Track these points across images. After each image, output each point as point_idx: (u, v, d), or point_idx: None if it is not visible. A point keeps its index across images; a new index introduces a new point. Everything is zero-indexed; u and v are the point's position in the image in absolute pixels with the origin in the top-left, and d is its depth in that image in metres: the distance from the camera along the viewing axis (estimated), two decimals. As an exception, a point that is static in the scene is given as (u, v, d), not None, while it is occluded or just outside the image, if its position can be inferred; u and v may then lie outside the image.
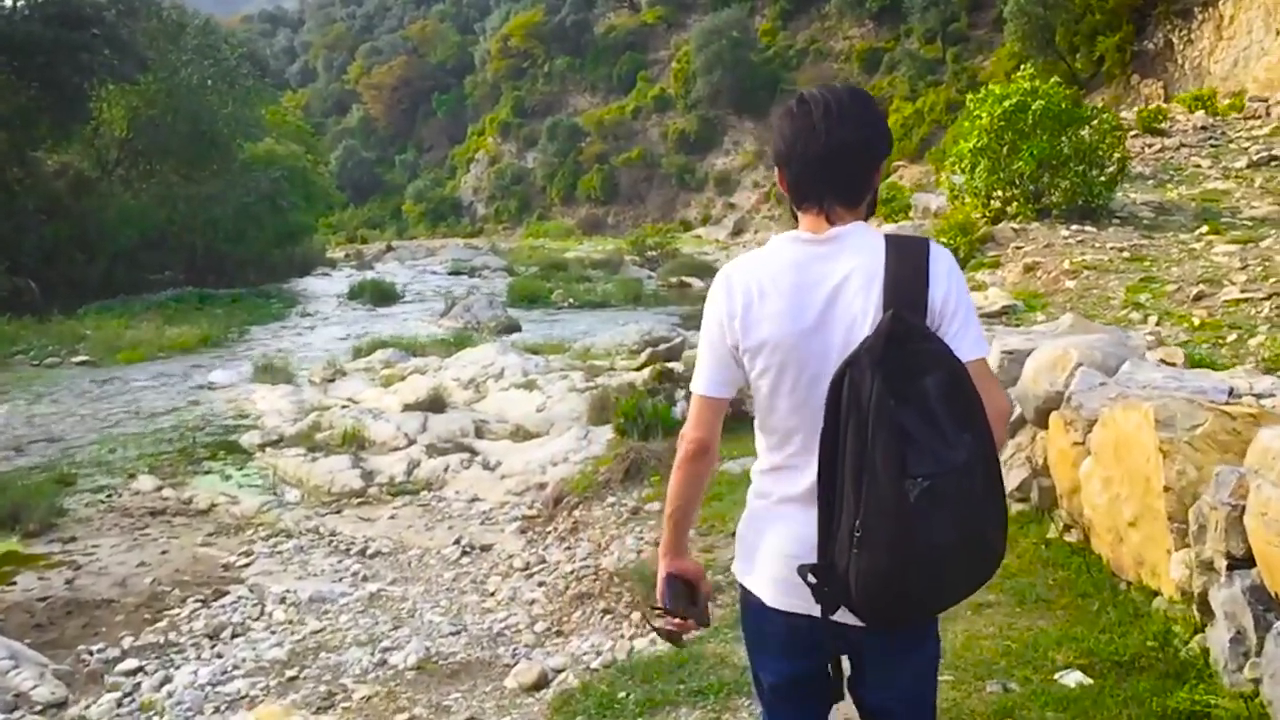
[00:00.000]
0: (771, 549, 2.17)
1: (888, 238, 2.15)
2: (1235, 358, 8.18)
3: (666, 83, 72.11)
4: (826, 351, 2.06)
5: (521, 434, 10.54)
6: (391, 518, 7.90)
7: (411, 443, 10.25)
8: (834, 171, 2.13)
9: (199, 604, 6.38)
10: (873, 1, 61.07)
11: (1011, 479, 5.69)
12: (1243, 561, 3.33)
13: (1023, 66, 13.97)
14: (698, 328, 2.32)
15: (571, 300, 25.73)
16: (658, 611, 2.28)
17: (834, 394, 1.97)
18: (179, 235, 27.37)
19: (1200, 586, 3.63)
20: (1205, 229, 12.11)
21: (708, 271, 32.54)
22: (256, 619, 6.03)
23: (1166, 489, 3.88)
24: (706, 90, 66.41)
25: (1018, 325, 9.72)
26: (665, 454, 7.15)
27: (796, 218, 2.20)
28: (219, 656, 5.49)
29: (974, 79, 42.47)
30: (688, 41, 69.53)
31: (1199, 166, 16.33)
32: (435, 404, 11.29)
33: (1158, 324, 9.12)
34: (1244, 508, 3.27)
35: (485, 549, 6.86)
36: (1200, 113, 20.57)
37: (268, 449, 10.30)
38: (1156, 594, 4.13)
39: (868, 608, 1.98)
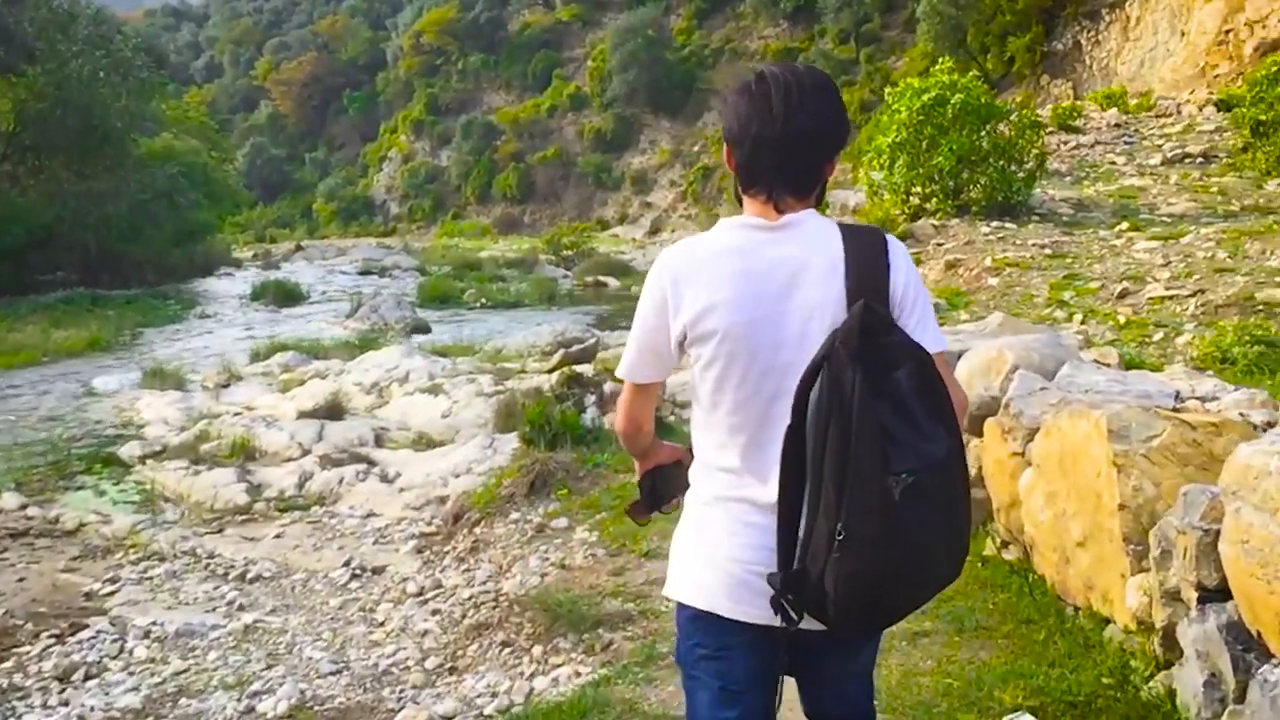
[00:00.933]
0: (726, 554, 2.04)
1: (842, 226, 2.04)
2: (1163, 356, 7.94)
3: (582, 81, 71.93)
4: (779, 343, 1.98)
5: (425, 442, 9.93)
6: (278, 537, 7.25)
7: (306, 453, 9.59)
8: (787, 158, 2.02)
9: (53, 640, 5.70)
10: (787, 1, 61.26)
11: (943, 490, 5.32)
12: (1216, 593, 2.93)
13: (940, 60, 13.75)
14: (613, 328, 2.19)
15: (484, 300, 25.03)
16: (634, 512, 2.39)
17: (804, 390, 1.88)
18: (70, 234, 26.02)
19: (1164, 619, 3.22)
20: (1125, 225, 11.97)
21: (624, 271, 32.07)
22: (115, 657, 5.38)
23: (1121, 507, 3.49)
24: (622, 89, 66.41)
25: (942, 325, 9.41)
26: (573, 465, 6.65)
27: (740, 201, 2.10)
28: (65, 704, 4.85)
29: (887, 79, 42.71)
30: (603, 40, 69.45)
31: (1115, 164, 16.30)
32: (333, 410, 10.61)
33: (1083, 322, 8.87)
34: (1218, 532, 2.87)
35: (377, 571, 6.27)
36: (1113, 111, 20.67)
37: (148, 461, 9.56)
38: (1109, 622, 3.74)
39: (844, 613, 1.89)
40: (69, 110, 25.76)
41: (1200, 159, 15.78)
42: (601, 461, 6.78)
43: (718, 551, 2.05)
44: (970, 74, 13.96)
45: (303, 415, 10.55)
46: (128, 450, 9.91)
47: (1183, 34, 31.23)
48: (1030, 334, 5.68)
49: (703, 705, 2.13)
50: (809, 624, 1.93)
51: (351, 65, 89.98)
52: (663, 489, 2.32)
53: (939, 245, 11.92)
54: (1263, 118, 14.25)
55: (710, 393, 2.04)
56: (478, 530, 6.35)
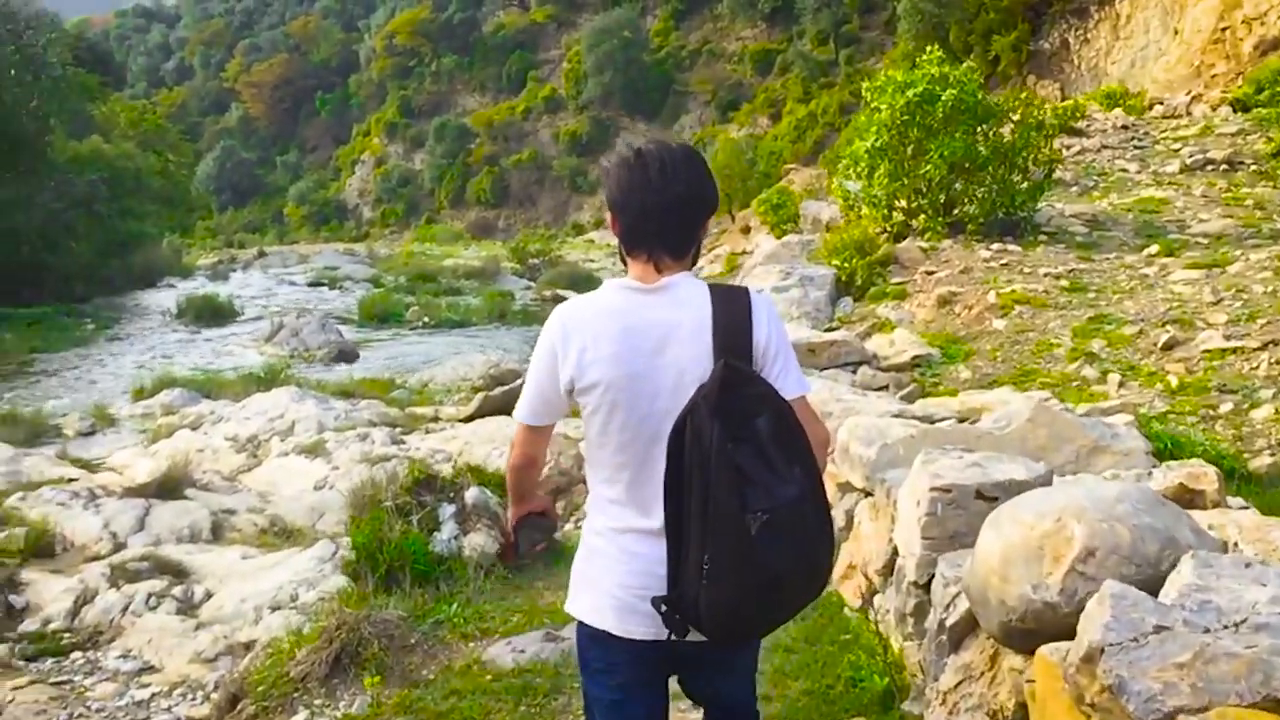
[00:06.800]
0: (613, 580, 2.32)
1: (711, 288, 2.33)
2: (1238, 438, 5.83)
3: (557, 83, 71.36)
4: (656, 394, 2.25)
5: (276, 531, 7.77)
6: (-7, 714, 5.07)
7: (119, 547, 7.41)
8: (664, 225, 2.30)
9: None
10: (765, 2, 59.91)
11: (956, 732, 3.18)
12: None
13: (929, 49, 11.62)
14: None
15: (426, 319, 22.79)
16: (505, 541, 2.99)
17: (676, 439, 2.14)
18: (-29, 247, 23.65)
19: None
20: (1155, 249, 9.86)
21: (588, 283, 29.92)
22: None
23: None
24: (598, 91, 65.91)
25: (935, 383, 7.28)
26: (403, 624, 4.49)
27: (625, 262, 2.37)
28: None
29: (867, 81, 41.10)
30: (578, 41, 69.06)
31: (1126, 171, 14.22)
32: (168, 485, 8.35)
33: (1122, 385, 6.76)
34: None
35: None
36: (1117, 111, 18.59)
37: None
38: None
39: (718, 629, 2.18)
40: (-30, 111, 23.39)
41: (1225, 166, 13.73)
42: (447, 618, 4.63)
43: (607, 578, 2.33)
44: (965, 65, 11.80)
45: (129, 492, 8.32)
46: (-106, 543, 7.66)
47: (1176, 32, 29.61)
48: (1104, 480, 3.55)
49: (599, 710, 2.43)
50: (692, 635, 2.20)
51: (324, 67, 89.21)
52: (533, 535, 2.64)
53: (929, 274, 9.80)
54: (1303, 118, 12.21)
55: (597, 434, 2.33)
56: (249, 735, 4.19)
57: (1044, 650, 2.67)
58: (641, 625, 2.26)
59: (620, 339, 2.25)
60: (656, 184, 2.26)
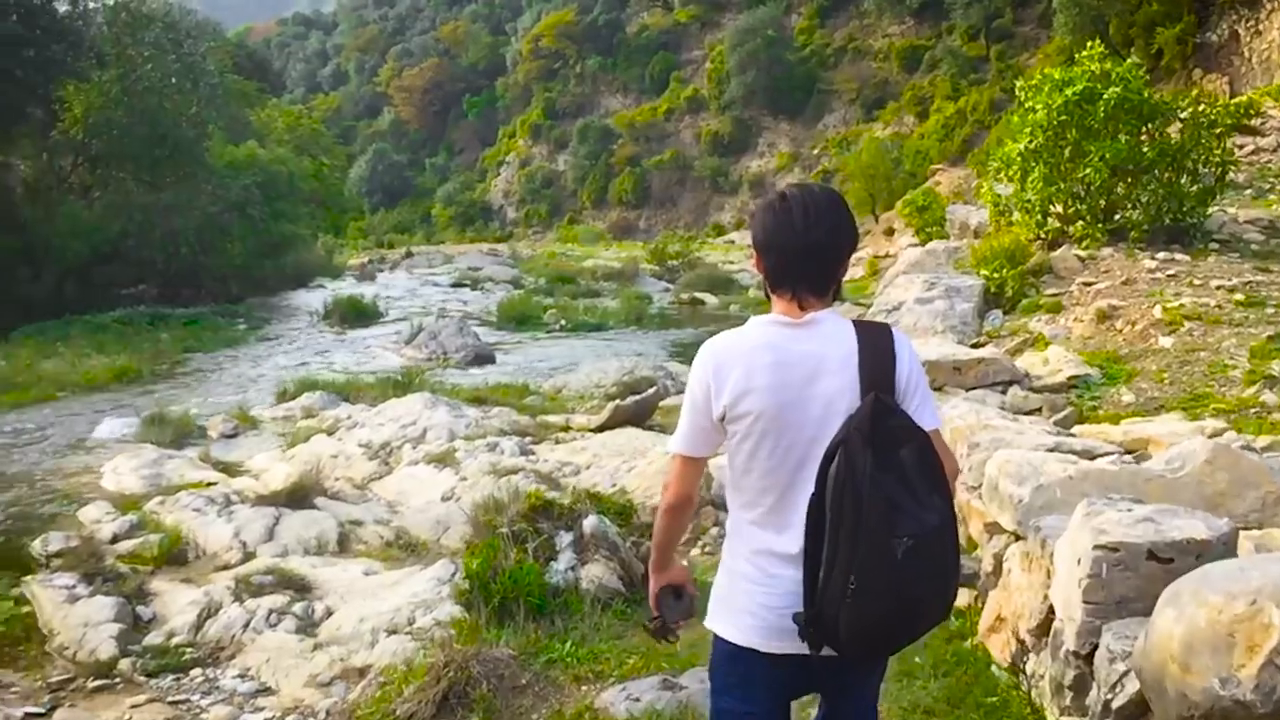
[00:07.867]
0: (757, 601, 2.46)
1: (856, 324, 2.49)
2: None
3: (700, 83, 71.25)
4: (804, 423, 2.40)
5: (400, 544, 7.68)
6: (111, 732, 5.03)
7: (248, 556, 7.44)
8: (807, 266, 2.46)
9: None
10: (912, -2, 58.75)
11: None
12: None
13: (1090, 44, 10.90)
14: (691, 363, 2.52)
15: (564, 321, 22.79)
16: (655, 621, 2.70)
17: (826, 466, 2.28)
18: (136, 249, 24.65)
19: None
20: (1343, 259, 9.05)
21: (726, 287, 29.53)
22: None
23: None
24: (740, 90, 65.70)
25: (1094, 407, 6.72)
26: (515, 663, 4.25)
27: (769, 297, 2.53)
28: None
29: (1019, 77, 39.73)
30: (721, 41, 69.06)
31: (1307, 173, 13.20)
32: (298, 494, 8.35)
33: (1308, 413, 6.12)
34: None
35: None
36: (1296, 107, 17.35)
37: (52, 563, 7.46)
38: None
39: (855, 646, 2.33)
40: (137, 118, 24.37)
41: None
42: (560, 657, 4.38)
43: (752, 599, 2.47)
44: (1129, 62, 11.03)
45: (261, 500, 8.36)
46: (39, 546, 7.83)
47: (1355, 24, 27.87)
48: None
49: None
50: (827, 651, 2.35)
51: (472, 70, 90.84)
52: (675, 610, 2.69)
53: (1087, 285, 9.16)
54: None
55: (744, 461, 2.47)
56: (352, 777, 4.02)
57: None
58: (786, 642, 2.39)
59: (773, 371, 2.40)
60: (800, 228, 2.42)
